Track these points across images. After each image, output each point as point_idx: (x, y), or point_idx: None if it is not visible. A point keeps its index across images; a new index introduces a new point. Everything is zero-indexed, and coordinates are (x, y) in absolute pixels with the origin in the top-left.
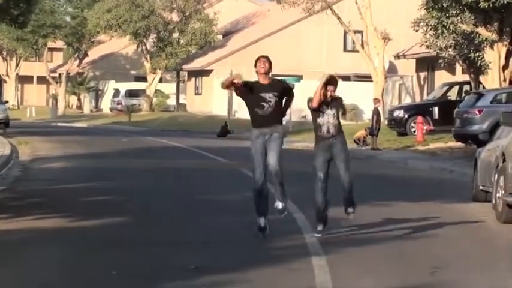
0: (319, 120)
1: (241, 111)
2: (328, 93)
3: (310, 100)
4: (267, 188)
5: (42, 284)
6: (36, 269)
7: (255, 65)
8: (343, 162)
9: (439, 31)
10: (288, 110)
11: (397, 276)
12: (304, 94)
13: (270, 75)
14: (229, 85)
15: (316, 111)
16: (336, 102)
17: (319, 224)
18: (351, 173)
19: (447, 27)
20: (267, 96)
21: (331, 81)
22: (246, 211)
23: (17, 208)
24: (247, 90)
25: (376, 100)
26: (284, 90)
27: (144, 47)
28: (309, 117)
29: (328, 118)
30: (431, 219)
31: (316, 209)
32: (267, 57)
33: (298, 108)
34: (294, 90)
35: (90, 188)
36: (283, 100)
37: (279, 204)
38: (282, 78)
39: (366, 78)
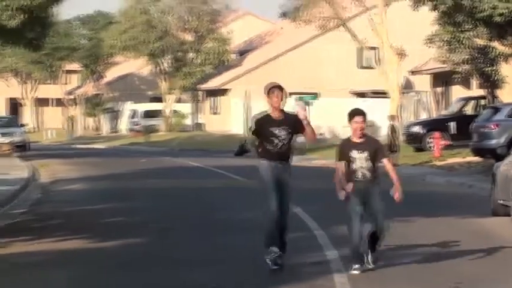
0: (352, 166)
1: None
2: (358, 128)
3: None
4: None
5: None
6: None
7: (267, 94)
8: (380, 213)
9: (454, 46)
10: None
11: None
12: (321, 111)
13: (282, 106)
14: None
15: (346, 159)
16: (369, 145)
17: (355, 264)
18: (385, 223)
19: (461, 41)
20: (278, 132)
21: (357, 112)
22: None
23: (38, 230)
24: (260, 128)
25: (391, 117)
26: (296, 124)
27: (160, 68)
28: (327, 133)
29: (360, 163)
30: (451, 235)
31: (352, 251)
32: (279, 87)
33: (316, 125)
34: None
35: (109, 209)
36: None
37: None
38: (298, 96)
39: (382, 94)
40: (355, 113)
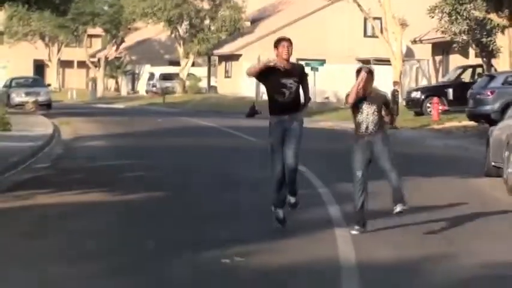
0: (358, 117)
1: None
2: (365, 90)
3: (347, 96)
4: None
5: (82, 253)
6: (81, 240)
7: (276, 47)
8: (387, 161)
9: (453, 17)
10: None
11: (414, 246)
12: (327, 76)
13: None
14: (254, 72)
15: (355, 108)
16: (377, 99)
17: (356, 225)
18: (398, 170)
19: (461, 13)
20: (288, 82)
21: (369, 75)
22: None
23: (60, 183)
24: (267, 77)
25: (395, 83)
26: (302, 75)
27: (177, 33)
28: (332, 97)
29: (367, 115)
30: (447, 194)
31: (354, 210)
32: (289, 40)
33: (321, 89)
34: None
35: (128, 165)
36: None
37: (291, 199)
38: (306, 62)
39: (385, 62)
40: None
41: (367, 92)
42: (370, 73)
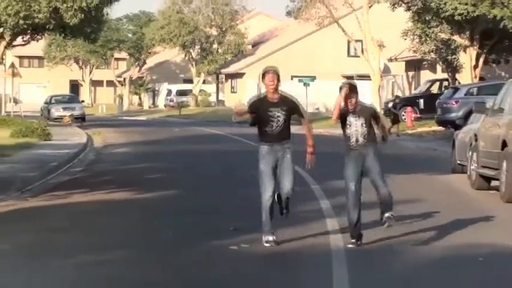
0: (347, 131)
1: None
2: (350, 105)
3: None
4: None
5: (111, 243)
6: (110, 232)
7: (263, 77)
8: (378, 175)
9: (423, 39)
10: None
11: (393, 233)
12: (317, 90)
13: (279, 89)
14: (242, 114)
15: (343, 123)
16: (364, 112)
17: (352, 239)
18: (388, 186)
19: (429, 35)
20: (275, 113)
21: (351, 90)
22: None
23: (93, 184)
24: (256, 110)
25: (396, 96)
26: (293, 107)
27: (190, 56)
28: (322, 108)
29: (356, 128)
30: (419, 188)
31: (350, 225)
32: (275, 71)
33: (312, 101)
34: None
35: (149, 168)
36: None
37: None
38: (299, 78)
39: (366, 77)
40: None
41: (354, 106)
42: (352, 88)
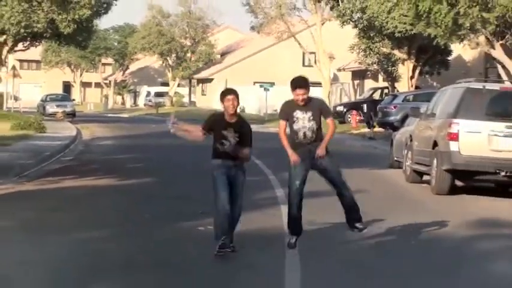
0: (294, 126)
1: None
2: (299, 98)
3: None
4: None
5: (97, 222)
6: (97, 213)
7: (222, 100)
8: (337, 172)
9: (367, 52)
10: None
11: (338, 218)
12: (276, 95)
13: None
14: (183, 131)
15: (290, 118)
16: (312, 105)
17: (292, 237)
18: (348, 186)
19: (373, 49)
20: (229, 135)
21: (298, 83)
22: None
23: (81, 171)
24: (213, 128)
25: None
26: (246, 131)
27: (167, 63)
28: (279, 110)
29: (303, 123)
30: (362, 181)
31: (289, 221)
32: (235, 94)
33: (271, 104)
34: (266, 92)
35: (131, 158)
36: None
37: (223, 239)
38: (260, 84)
39: (318, 84)
40: (293, 85)
41: (299, 102)
42: (299, 80)
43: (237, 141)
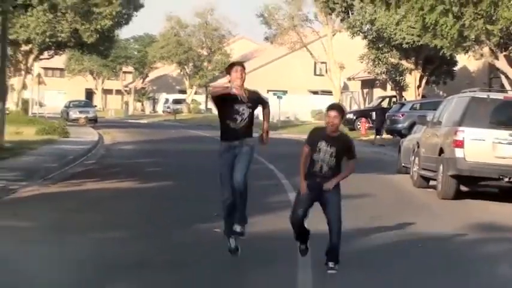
0: (314, 156)
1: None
2: (329, 123)
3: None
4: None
5: (118, 223)
6: (117, 214)
7: (228, 72)
8: (336, 209)
9: (376, 62)
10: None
11: (350, 221)
12: (288, 102)
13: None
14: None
15: (313, 146)
16: (338, 141)
17: (301, 245)
18: (340, 223)
19: (381, 60)
20: (240, 108)
21: (333, 106)
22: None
23: (103, 175)
24: (224, 99)
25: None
26: (259, 101)
27: (185, 71)
28: (292, 117)
29: (324, 156)
30: (371, 186)
31: (295, 234)
32: (242, 65)
33: (284, 111)
34: (279, 100)
35: (150, 162)
36: (262, 111)
37: (237, 227)
38: (274, 92)
39: (329, 93)
40: (330, 107)
41: (329, 125)
42: (338, 109)
43: (250, 113)
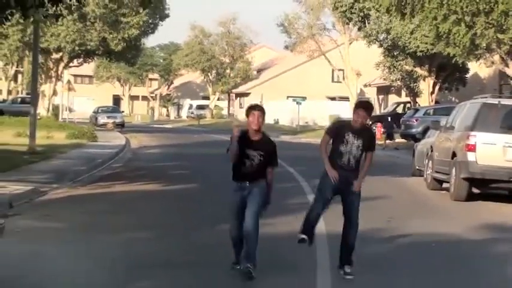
0: (342, 148)
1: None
2: (358, 119)
3: (332, 125)
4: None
5: (144, 224)
6: (144, 215)
7: (247, 115)
8: (357, 211)
9: (391, 70)
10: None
11: (364, 221)
12: (307, 108)
13: (262, 128)
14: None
15: (340, 138)
16: (364, 134)
17: (302, 234)
18: (358, 227)
19: (396, 67)
20: (251, 154)
21: (363, 104)
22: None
23: (130, 177)
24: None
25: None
26: (271, 151)
27: (208, 78)
28: (310, 122)
29: (351, 148)
30: (385, 188)
31: (305, 223)
32: (260, 109)
33: (303, 116)
34: (298, 106)
35: (176, 166)
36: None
37: (245, 264)
38: (293, 98)
39: (346, 98)
40: (358, 105)
41: (358, 123)
42: (367, 106)
43: (260, 160)
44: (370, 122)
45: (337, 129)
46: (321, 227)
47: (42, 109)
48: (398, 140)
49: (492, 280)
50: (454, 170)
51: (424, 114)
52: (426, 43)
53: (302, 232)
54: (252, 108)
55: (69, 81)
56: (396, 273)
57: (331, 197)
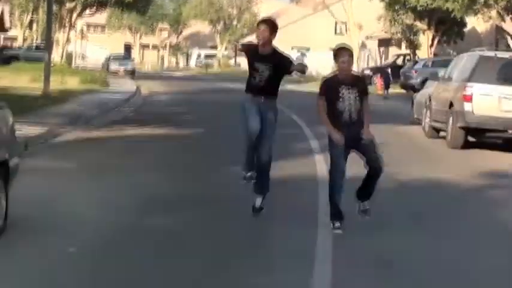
0: (339, 105)
1: None
2: (344, 65)
3: (323, 82)
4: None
5: (154, 166)
6: (153, 157)
7: (257, 26)
8: (376, 148)
9: (392, 23)
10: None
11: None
12: (311, 58)
13: (272, 42)
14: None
15: (334, 95)
16: (356, 82)
17: (335, 222)
18: (383, 164)
19: (397, 20)
20: (260, 67)
21: (341, 46)
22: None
23: (141, 121)
24: (250, 54)
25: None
26: (281, 62)
27: (216, 29)
28: (313, 72)
29: (349, 102)
30: (385, 135)
31: (332, 205)
32: (267, 23)
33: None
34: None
35: (184, 111)
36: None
37: (257, 200)
38: (298, 49)
39: None
40: (340, 49)
41: (348, 72)
42: (342, 47)
43: (269, 74)
44: (371, 73)
45: (329, 88)
46: (323, 172)
47: (56, 56)
48: (392, 90)
49: (480, 220)
50: (451, 119)
51: (423, 66)
52: None
53: (333, 218)
54: (258, 23)
55: (82, 30)
56: (392, 218)
57: (346, 156)
